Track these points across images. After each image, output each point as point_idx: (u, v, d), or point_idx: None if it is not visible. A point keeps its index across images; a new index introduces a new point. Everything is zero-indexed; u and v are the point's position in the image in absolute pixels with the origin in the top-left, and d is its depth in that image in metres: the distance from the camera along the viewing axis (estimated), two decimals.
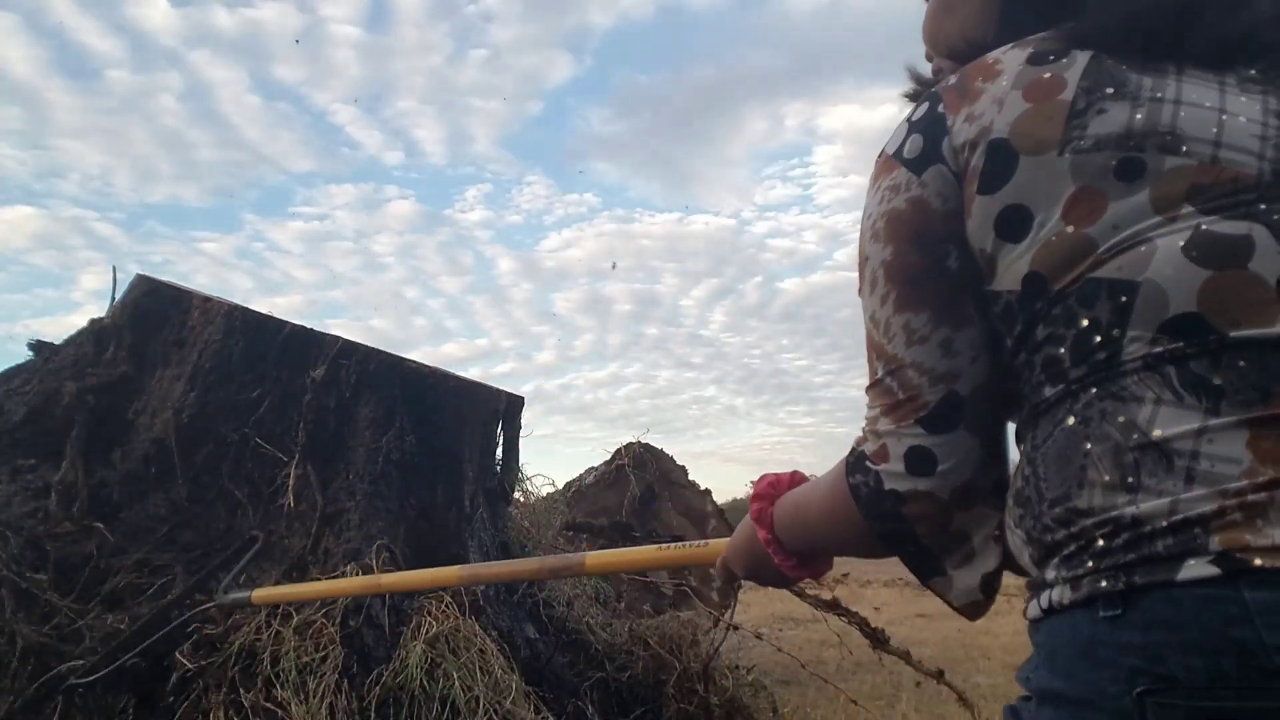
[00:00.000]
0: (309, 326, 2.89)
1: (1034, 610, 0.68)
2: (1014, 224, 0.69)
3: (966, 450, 0.74)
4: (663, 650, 3.06)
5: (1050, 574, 0.66)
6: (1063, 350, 0.67)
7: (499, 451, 3.35)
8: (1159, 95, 0.67)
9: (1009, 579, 0.81)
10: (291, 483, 2.64)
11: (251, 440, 2.75)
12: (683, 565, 1.29)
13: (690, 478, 6.50)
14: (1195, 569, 0.57)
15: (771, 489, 0.95)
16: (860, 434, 0.79)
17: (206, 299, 2.96)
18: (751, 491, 0.98)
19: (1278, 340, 0.60)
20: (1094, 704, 0.60)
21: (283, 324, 2.90)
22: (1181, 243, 0.63)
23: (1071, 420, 0.66)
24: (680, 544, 1.26)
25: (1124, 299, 0.64)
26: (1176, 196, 0.64)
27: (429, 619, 2.39)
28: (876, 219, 0.78)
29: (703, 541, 1.22)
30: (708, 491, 6.58)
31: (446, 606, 2.44)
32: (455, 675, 2.26)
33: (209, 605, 2.22)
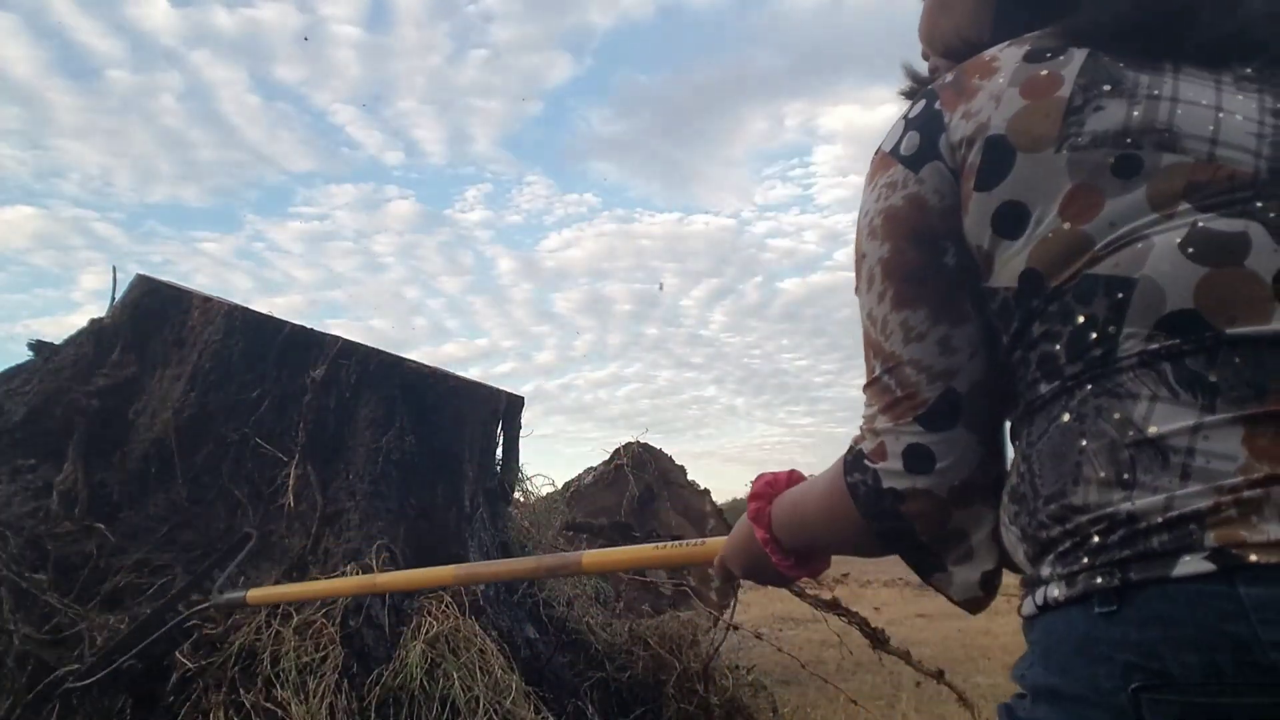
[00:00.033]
0: (309, 326, 2.90)
1: (1029, 607, 0.68)
2: (1011, 221, 0.69)
3: (965, 448, 0.74)
4: (663, 650, 3.06)
5: (1045, 571, 0.66)
6: (1058, 347, 0.67)
7: (499, 451, 3.35)
8: (1156, 93, 0.67)
9: (1009, 578, 0.81)
10: (291, 483, 2.64)
11: (251, 440, 2.76)
12: (680, 564, 1.29)
13: (689, 477, 6.49)
14: (1190, 565, 0.57)
15: (769, 488, 0.95)
16: (858, 432, 0.79)
17: (206, 299, 2.96)
18: (749, 491, 0.97)
19: (1273, 337, 0.60)
20: (1089, 700, 0.60)
21: (283, 324, 2.90)
22: (1179, 240, 0.63)
23: (1067, 417, 0.66)
24: (677, 543, 1.25)
25: (1120, 295, 0.64)
26: (1174, 194, 0.64)
27: (429, 619, 2.39)
28: (873, 216, 0.77)
29: (700, 540, 1.21)
30: (706, 491, 6.57)
31: (446, 606, 2.44)
32: (455, 675, 2.26)
33: (204, 605, 2.21)
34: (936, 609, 8.33)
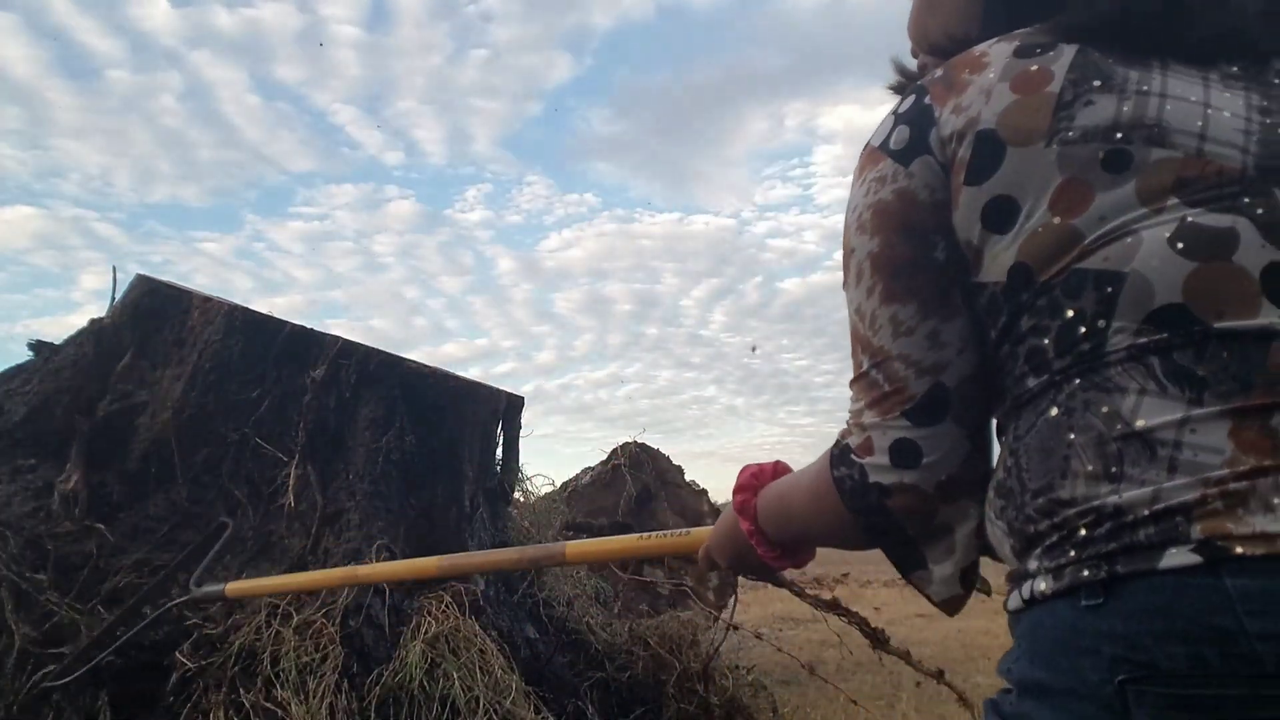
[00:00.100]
0: (309, 326, 2.90)
1: (1015, 601, 0.68)
2: (1001, 215, 0.69)
3: (952, 443, 0.74)
4: (663, 650, 3.06)
5: (1032, 565, 0.66)
6: (1047, 341, 0.67)
7: (499, 451, 3.35)
8: (1145, 88, 0.68)
9: (997, 576, 0.81)
10: (291, 483, 2.64)
11: (251, 440, 2.75)
12: (665, 554, 1.28)
13: (687, 478, 6.49)
14: (1177, 557, 0.57)
15: (755, 480, 0.95)
16: (845, 426, 0.79)
17: (206, 299, 2.95)
18: (735, 482, 0.97)
19: (1260, 332, 0.60)
20: (1076, 693, 0.60)
21: (283, 324, 2.90)
22: (1168, 234, 0.63)
23: (1055, 411, 0.66)
24: (662, 533, 1.24)
25: (1110, 290, 0.64)
26: (1163, 188, 0.64)
27: (429, 619, 2.39)
28: (862, 211, 0.77)
29: (685, 531, 1.21)
30: (704, 491, 6.56)
31: (446, 606, 2.44)
32: (455, 675, 2.26)
33: (181, 600, 2.19)
34: (936, 609, 8.32)
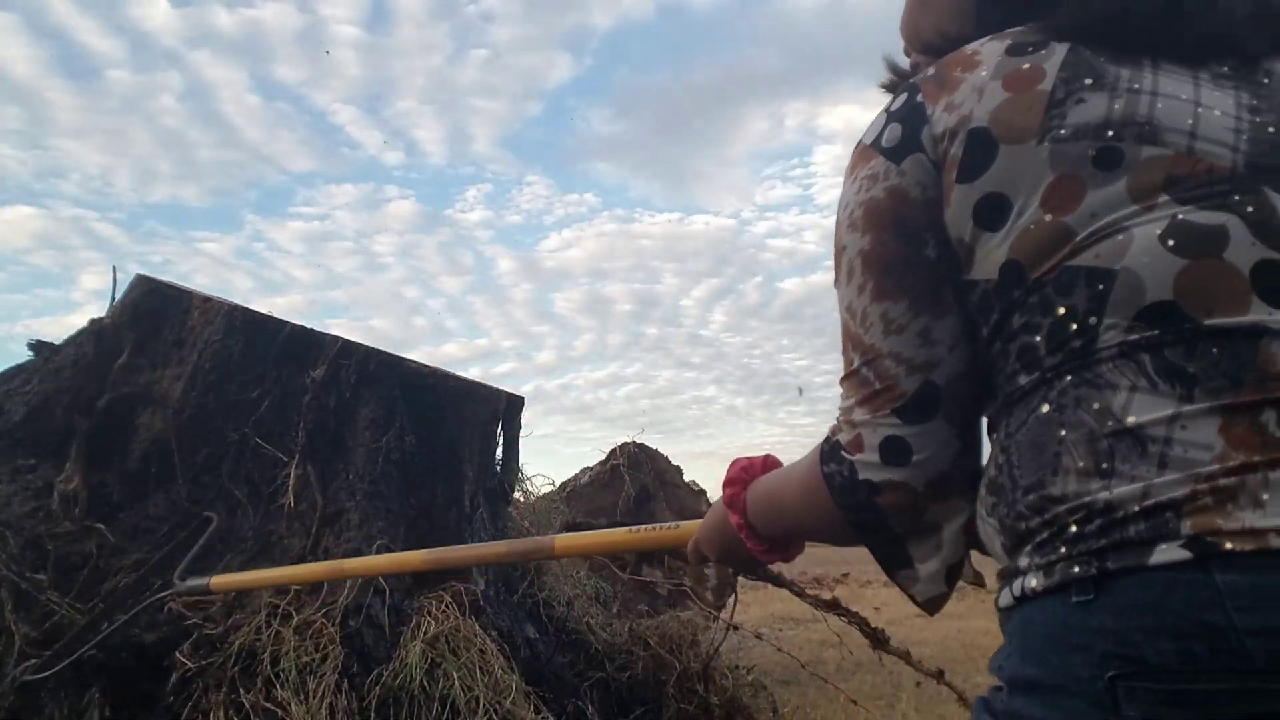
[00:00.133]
0: (309, 326, 2.90)
1: (1006, 599, 0.68)
2: (993, 212, 0.70)
3: (942, 441, 0.75)
4: (663, 650, 3.06)
5: (1023, 562, 0.67)
6: (1038, 338, 0.67)
7: (499, 451, 3.35)
8: (1136, 87, 0.68)
9: (989, 572, 0.81)
10: (291, 483, 2.64)
11: (251, 440, 2.75)
12: (653, 548, 1.28)
13: (686, 478, 6.49)
14: (1167, 553, 0.57)
15: (744, 474, 0.96)
16: (835, 423, 0.79)
17: (206, 299, 2.95)
18: (725, 476, 0.98)
19: (1250, 329, 0.61)
20: (1067, 690, 0.60)
21: (283, 324, 2.90)
22: (1159, 231, 0.63)
23: (1046, 408, 0.67)
24: (651, 527, 1.24)
25: (1101, 287, 0.64)
26: (1153, 186, 0.65)
27: (429, 619, 2.39)
28: (854, 208, 0.78)
29: (674, 524, 1.21)
30: (703, 491, 6.56)
31: (446, 607, 2.44)
32: (455, 675, 2.26)
33: (165, 594, 2.19)
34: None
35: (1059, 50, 0.71)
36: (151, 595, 2.23)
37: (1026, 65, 0.71)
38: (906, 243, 0.75)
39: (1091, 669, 0.58)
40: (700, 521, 1.08)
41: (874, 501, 0.76)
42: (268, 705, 2.09)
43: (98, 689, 2.12)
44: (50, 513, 2.59)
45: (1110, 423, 0.62)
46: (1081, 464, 0.63)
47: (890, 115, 0.77)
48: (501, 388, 3.28)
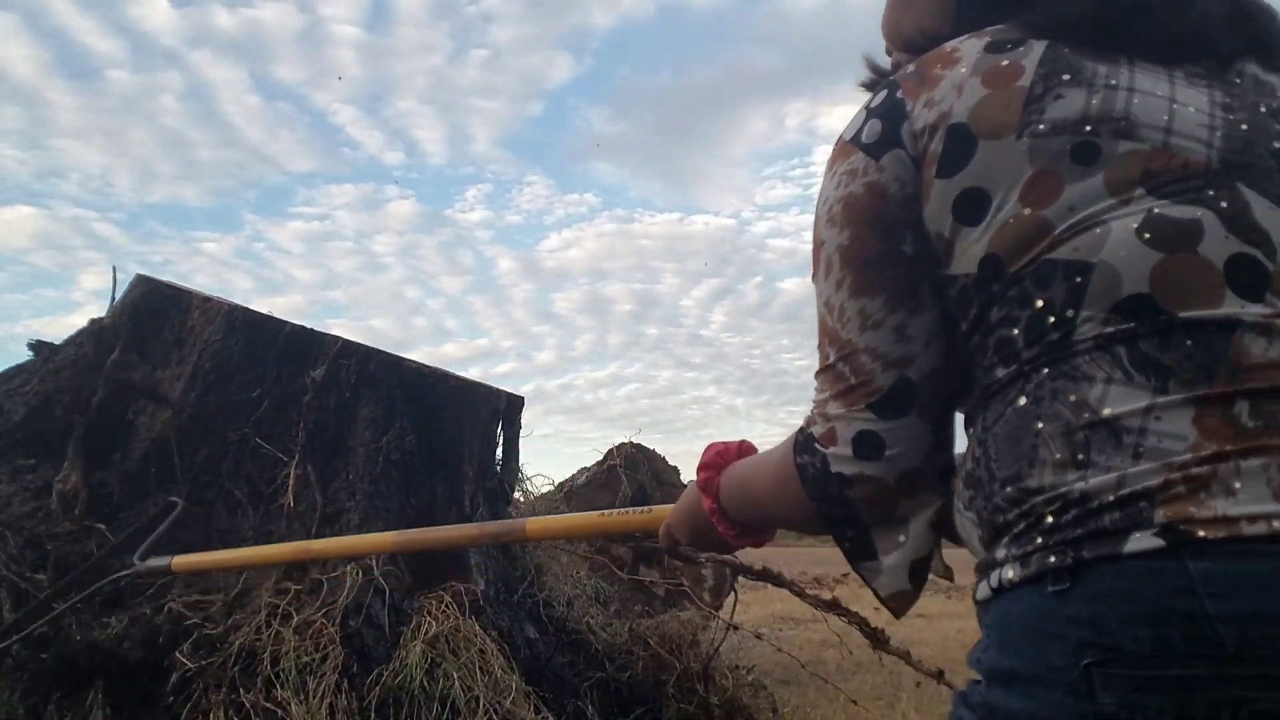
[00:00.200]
0: (309, 326, 2.90)
1: (983, 591, 0.69)
2: (972, 207, 0.70)
3: (916, 436, 0.75)
4: (663, 650, 3.06)
5: (1000, 554, 0.67)
6: (1016, 331, 0.68)
7: (499, 451, 3.35)
8: (1113, 82, 0.69)
9: (966, 570, 0.81)
10: (291, 483, 2.64)
11: (251, 440, 2.75)
12: (626, 531, 1.28)
13: (684, 478, 6.49)
14: (1141, 541, 0.58)
15: (719, 458, 0.97)
16: (809, 415, 0.80)
17: (206, 299, 2.95)
18: (700, 460, 0.99)
19: (1222, 321, 0.62)
20: (1044, 679, 0.60)
21: (283, 324, 2.90)
22: (1135, 225, 0.64)
23: (1023, 400, 0.67)
24: (624, 511, 1.25)
25: (1079, 280, 0.65)
26: (1130, 180, 0.65)
27: (429, 619, 2.39)
28: (833, 204, 0.78)
29: (647, 509, 1.22)
30: None
31: (446, 607, 2.44)
32: (455, 675, 2.26)
33: (125, 573, 2.18)
34: (937, 609, 8.33)
35: (1037, 47, 0.72)
36: (111, 576, 2.23)
37: (1005, 62, 0.72)
38: (884, 238, 0.75)
39: (1067, 658, 0.59)
40: (672, 506, 1.09)
41: (845, 494, 0.77)
42: (268, 705, 2.09)
43: (108, 692, 2.12)
44: (50, 513, 2.59)
45: (1086, 414, 0.63)
46: (1058, 455, 0.64)
47: (870, 112, 0.78)
48: (501, 388, 3.28)
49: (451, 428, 3.01)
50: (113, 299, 3.10)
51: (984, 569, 0.69)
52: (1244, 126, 0.68)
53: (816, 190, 0.82)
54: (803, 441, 0.80)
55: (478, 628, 2.43)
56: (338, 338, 2.89)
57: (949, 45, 0.76)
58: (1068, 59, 0.70)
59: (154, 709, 2.13)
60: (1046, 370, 0.66)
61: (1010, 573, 0.65)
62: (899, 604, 0.81)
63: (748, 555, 3.14)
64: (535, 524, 1.38)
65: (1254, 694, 0.54)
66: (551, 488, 4.14)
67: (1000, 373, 0.70)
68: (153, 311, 2.96)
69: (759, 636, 4.12)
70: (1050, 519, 0.63)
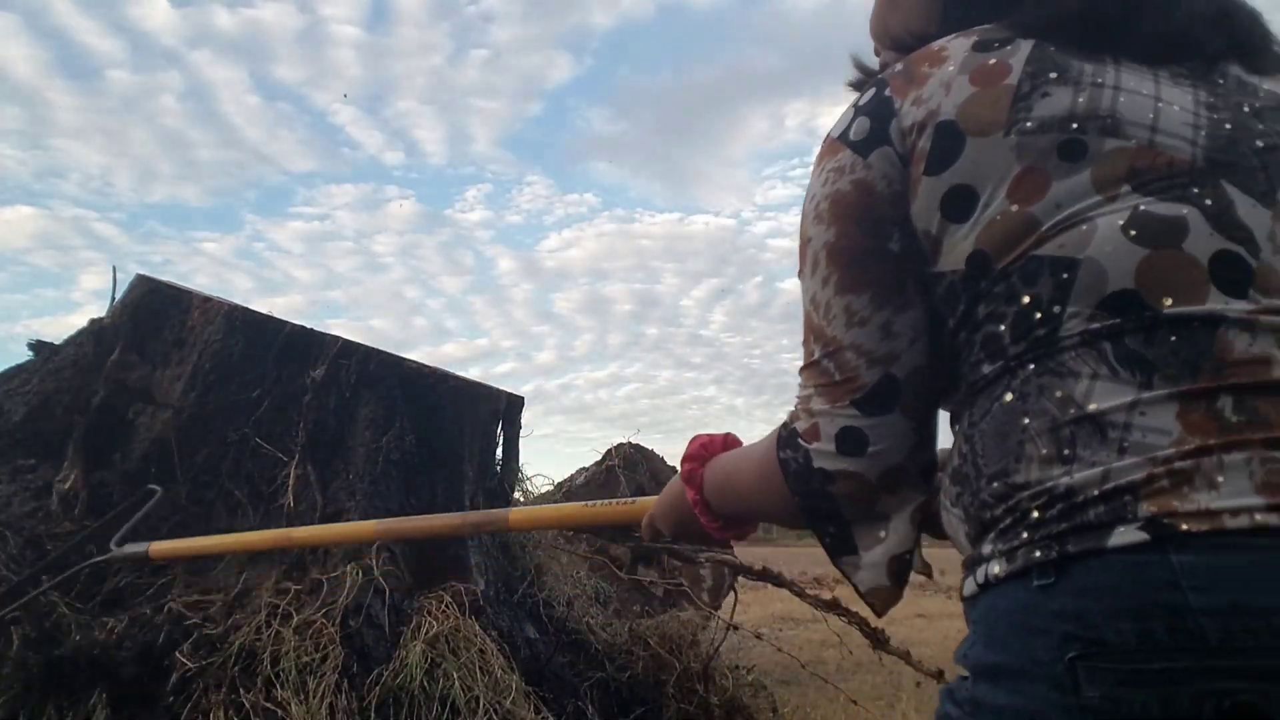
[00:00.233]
0: (309, 326, 2.90)
1: (970, 587, 0.69)
2: (960, 204, 0.71)
3: (899, 433, 0.76)
4: (663, 650, 3.06)
5: (986, 549, 0.67)
6: (1003, 328, 0.69)
7: (499, 451, 3.35)
8: (1100, 81, 0.70)
9: (952, 567, 0.81)
10: (291, 483, 2.64)
11: (251, 440, 2.75)
12: (610, 523, 1.29)
13: None
14: (1125, 535, 0.59)
15: (704, 450, 0.98)
16: (793, 410, 0.80)
17: (206, 299, 2.95)
18: (684, 451, 1.00)
19: (1207, 317, 0.62)
20: (1029, 674, 0.61)
21: (283, 324, 2.90)
22: (1121, 221, 0.65)
23: (1010, 396, 0.68)
24: (607, 502, 1.26)
25: (1065, 276, 0.65)
26: (1116, 177, 0.66)
27: (429, 619, 2.39)
28: (820, 200, 0.79)
29: (630, 500, 1.23)
30: None
31: (446, 607, 2.44)
32: (455, 675, 2.26)
33: (101, 559, 2.19)
34: (936, 609, 8.33)
35: (1024, 46, 0.72)
36: (90, 561, 2.23)
37: (993, 61, 0.72)
38: (871, 236, 0.76)
39: (1052, 651, 0.59)
40: (656, 497, 1.10)
41: (827, 490, 0.77)
42: (268, 705, 2.09)
43: (108, 692, 2.12)
44: (50, 513, 2.59)
45: (1072, 410, 0.64)
46: (1044, 451, 0.64)
47: (858, 109, 0.78)
48: (501, 388, 3.29)
49: (451, 428, 3.01)
50: (113, 299, 3.10)
51: (970, 565, 0.70)
52: (1227, 126, 0.68)
53: None
54: (786, 436, 0.80)
55: (478, 628, 2.43)
56: (338, 338, 2.89)
57: (937, 44, 0.77)
58: (1054, 58, 0.71)
59: (154, 709, 2.13)
60: (1033, 366, 0.67)
61: (996, 568, 0.65)
62: (878, 600, 0.82)
63: (748, 555, 3.14)
64: (518, 514, 1.39)
65: (1236, 686, 0.55)
66: (551, 488, 4.14)
67: (987, 369, 0.70)
68: (153, 311, 2.96)
69: (759, 636, 4.12)
70: (1036, 514, 0.63)
